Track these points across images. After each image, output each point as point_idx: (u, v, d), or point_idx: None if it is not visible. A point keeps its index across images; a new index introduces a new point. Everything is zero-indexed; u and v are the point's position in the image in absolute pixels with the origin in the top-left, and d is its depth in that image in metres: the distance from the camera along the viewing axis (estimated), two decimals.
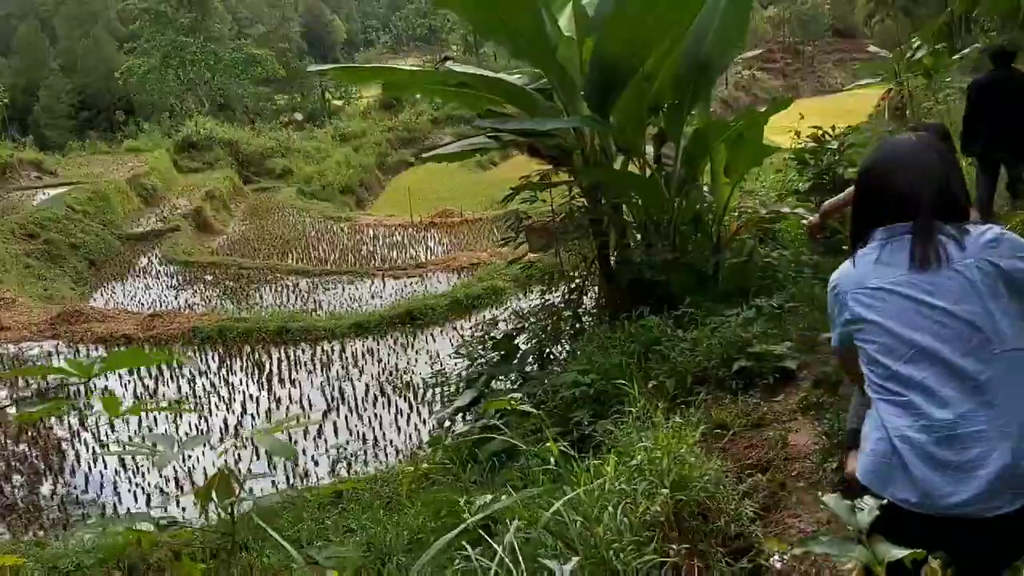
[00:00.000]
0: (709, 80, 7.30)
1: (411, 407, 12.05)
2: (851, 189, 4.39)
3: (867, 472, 2.10)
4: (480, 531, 2.61)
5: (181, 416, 12.15)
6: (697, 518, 3.49)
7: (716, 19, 7.00)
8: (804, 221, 6.79)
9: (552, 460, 3.50)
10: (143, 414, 12.30)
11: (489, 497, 2.42)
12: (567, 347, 7.76)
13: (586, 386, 5.92)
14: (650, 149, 8.29)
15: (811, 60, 73.16)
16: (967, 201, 2.20)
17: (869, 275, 2.13)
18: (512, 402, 3.38)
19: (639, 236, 8.15)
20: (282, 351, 14.83)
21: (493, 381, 7.58)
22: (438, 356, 13.46)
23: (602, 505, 2.90)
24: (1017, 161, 7.92)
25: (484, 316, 13.84)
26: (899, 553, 1.23)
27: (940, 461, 1.97)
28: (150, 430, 11.49)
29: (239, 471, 8.53)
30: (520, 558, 2.05)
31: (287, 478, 10.14)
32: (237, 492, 1.56)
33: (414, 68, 8.48)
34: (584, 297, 8.20)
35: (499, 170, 34.76)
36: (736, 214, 8.31)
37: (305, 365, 14.27)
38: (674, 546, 2.92)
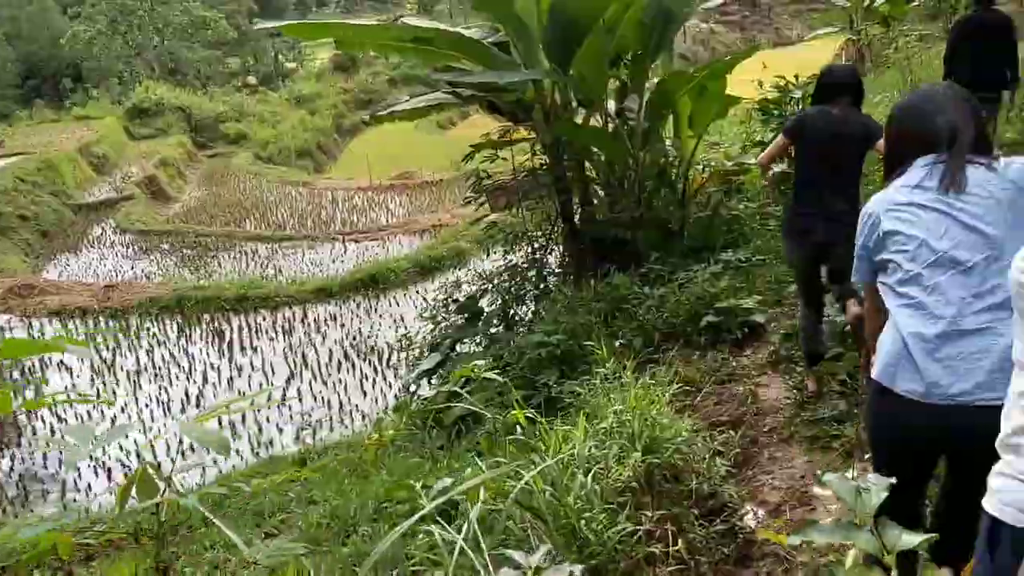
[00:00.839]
0: (671, 30, 7.13)
1: (376, 371, 11.89)
2: (779, 137, 4.44)
3: (880, 370, 2.33)
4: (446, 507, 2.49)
5: (140, 386, 11.90)
6: (670, 480, 3.40)
7: None
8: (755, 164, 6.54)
9: (518, 428, 3.36)
10: (102, 383, 12.04)
11: (449, 481, 2.27)
12: (532, 308, 7.63)
13: (552, 347, 5.80)
14: (612, 103, 8.11)
15: (768, 12, 72.93)
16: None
17: (905, 195, 2.37)
18: (475, 369, 3.23)
19: (603, 193, 8.00)
20: (242, 319, 14.57)
21: (458, 344, 7.44)
22: (402, 320, 13.29)
23: (572, 473, 2.78)
24: (998, 98, 7.65)
25: (448, 278, 13.67)
26: (911, 540, 1.11)
27: (945, 354, 2.20)
28: (110, 405, 11.21)
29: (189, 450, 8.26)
30: (482, 542, 1.92)
31: (251, 447, 9.97)
32: (163, 489, 1.41)
33: (368, 24, 8.19)
34: (549, 257, 8.06)
35: (458, 130, 34.38)
36: (701, 167, 8.19)
37: (266, 332, 14.03)
38: (647, 512, 2.81)
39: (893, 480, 1.26)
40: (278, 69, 54.04)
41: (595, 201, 8.04)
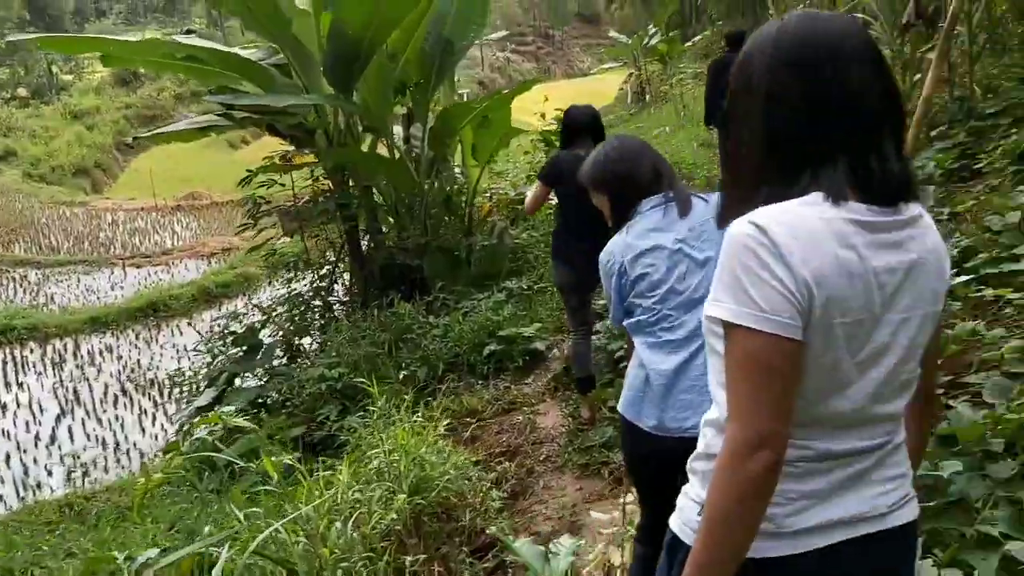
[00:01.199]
0: (453, 60, 7.18)
1: (156, 406, 11.13)
2: (538, 184, 4.58)
3: (626, 405, 2.47)
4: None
5: None
6: (440, 519, 3.34)
7: (455, 1, 6.87)
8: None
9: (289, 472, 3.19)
10: None
11: (155, 552, 2.09)
12: (318, 338, 7.40)
13: (333, 380, 5.63)
14: (400, 129, 8.06)
15: (561, 44, 75.66)
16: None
17: (643, 239, 2.48)
18: (223, 418, 3.04)
19: (392, 219, 7.91)
20: (7, 352, 13.28)
21: (237, 378, 7.08)
22: (185, 350, 12.55)
23: (331, 520, 2.66)
24: None
25: (236, 305, 13.10)
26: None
27: (682, 389, 2.34)
28: None
29: None
30: None
31: (16, 491, 9.05)
32: None
33: (135, 40, 7.71)
34: (336, 285, 7.86)
35: (251, 149, 33.14)
36: (488, 196, 8.28)
37: (34, 366, 12.86)
38: (408, 557, 2.73)
39: (581, 541, 1.26)
40: (52, 81, 50.22)
41: (384, 228, 7.94)
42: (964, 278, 3.81)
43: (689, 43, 18.44)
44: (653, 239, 2.47)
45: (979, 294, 3.75)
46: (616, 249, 2.53)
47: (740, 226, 1.22)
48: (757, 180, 1.28)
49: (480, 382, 5.50)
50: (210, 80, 7.52)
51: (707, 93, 8.64)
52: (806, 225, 1.20)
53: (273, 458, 3.11)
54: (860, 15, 7.83)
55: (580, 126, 4.37)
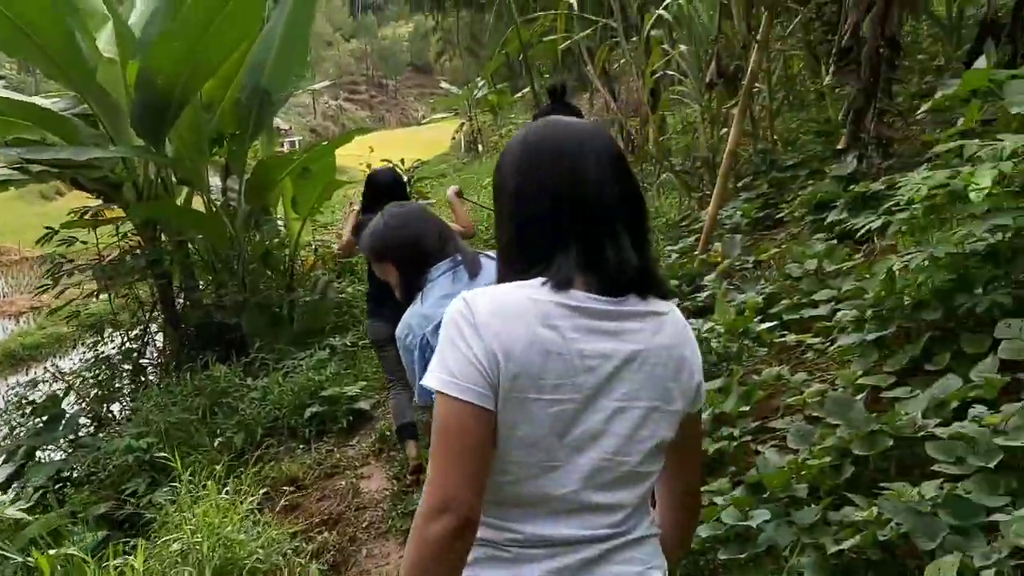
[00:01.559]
0: (271, 110, 6.97)
1: None
2: (347, 235, 4.75)
3: None
4: None
5: None
6: None
7: (275, 48, 6.70)
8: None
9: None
10: None
11: None
12: (128, 405, 6.90)
13: (141, 451, 5.23)
14: (218, 181, 7.74)
15: (395, 93, 76.14)
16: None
17: (439, 307, 2.22)
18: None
19: (209, 276, 7.55)
20: None
21: (38, 451, 6.49)
22: None
23: None
24: None
25: (46, 368, 12.10)
26: None
27: None
28: None
29: None
30: None
31: None
32: None
33: None
34: (148, 347, 7.38)
35: (66, 200, 31.22)
36: (312, 249, 8.05)
37: None
38: None
39: None
40: None
41: (200, 285, 7.56)
42: (768, 324, 3.95)
43: (518, 95, 18.86)
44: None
45: (782, 339, 3.90)
46: (413, 322, 2.41)
47: (456, 302, 1.30)
48: (508, 264, 1.38)
49: (301, 446, 5.26)
50: (9, 131, 6.98)
51: None
52: (511, 303, 1.27)
53: (56, 550, 2.81)
54: (672, 72, 8.22)
55: (381, 189, 4.48)
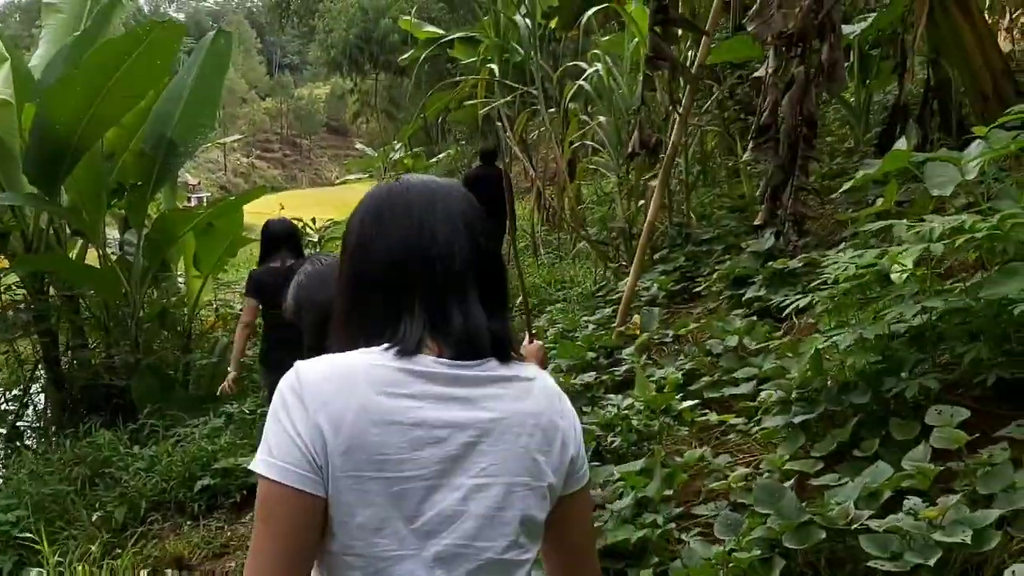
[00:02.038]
0: (176, 162, 6.66)
1: None
2: (247, 300, 4.92)
3: None
4: None
5: None
6: None
7: (184, 100, 6.42)
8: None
9: None
10: None
11: None
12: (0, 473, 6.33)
13: (9, 526, 4.75)
14: (117, 234, 7.35)
15: (309, 153, 75.68)
16: None
17: None
18: None
19: (100, 334, 7.09)
20: None
21: None
22: None
23: None
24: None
25: None
26: None
27: None
28: None
29: None
30: None
31: None
32: None
33: None
34: (27, 409, 6.84)
35: None
36: (213, 308, 7.67)
37: None
38: None
39: None
40: None
41: (90, 343, 7.09)
42: (689, 403, 3.83)
43: (434, 159, 18.82)
44: None
45: (704, 417, 3.78)
46: None
47: (288, 372, 1.16)
48: (348, 333, 1.24)
49: (189, 522, 4.86)
50: None
51: None
52: (345, 368, 1.14)
53: None
54: (589, 142, 8.24)
55: (277, 238, 4.68)
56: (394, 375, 1.13)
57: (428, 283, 1.20)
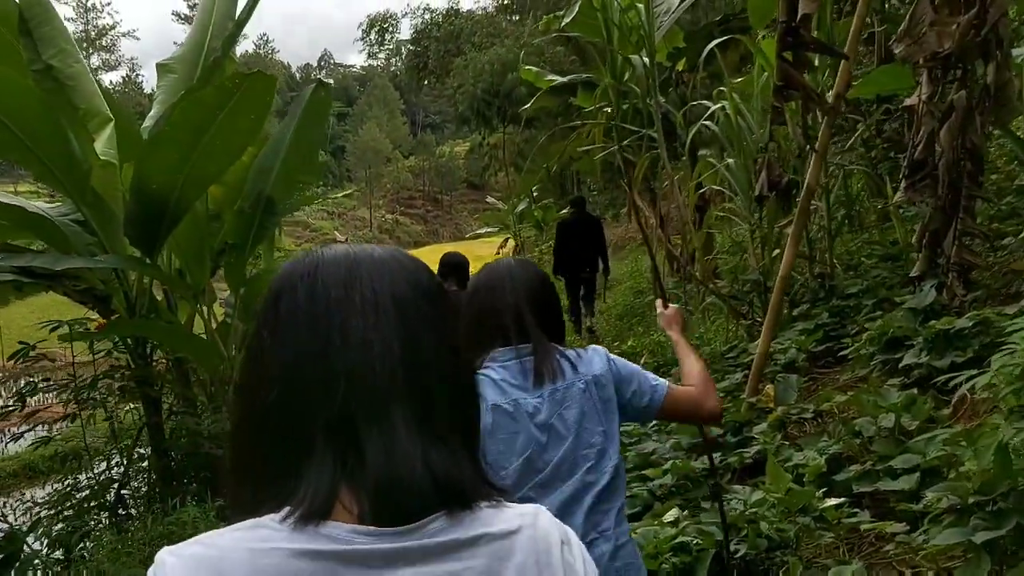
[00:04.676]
0: (273, 220, 6.41)
1: None
2: None
3: None
4: None
5: None
6: None
7: (281, 154, 6.19)
8: None
9: None
10: None
11: None
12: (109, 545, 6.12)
13: None
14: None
15: (449, 208, 77.44)
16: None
17: (492, 397, 1.98)
18: None
19: (203, 399, 6.88)
20: None
21: None
22: None
23: None
24: (593, 277, 10.67)
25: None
26: None
27: None
28: None
29: None
30: None
31: None
32: None
33: None
34: (133, 478, 6.64)
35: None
36: None
37: None
38: None
39: None
40: None
41: (198, 408, 6.88)
42: (835, 500, 3.08)
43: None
44: (496, 396, 2.03)
45: (854, 520, 3.02)
46: None
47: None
48: (234, 490, 0.89)
49: None
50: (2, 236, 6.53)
51: (555, 248, 10.66)
52: (216, 562, 0.78)
53: None
54: (719, 187, 7.54)
55: (445, 267, 5.34)
56: (289, 564, 0.77)
57: (331, 408, 0.82)
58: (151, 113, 7.32)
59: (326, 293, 0.87)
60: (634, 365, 2.14)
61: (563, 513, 1.89)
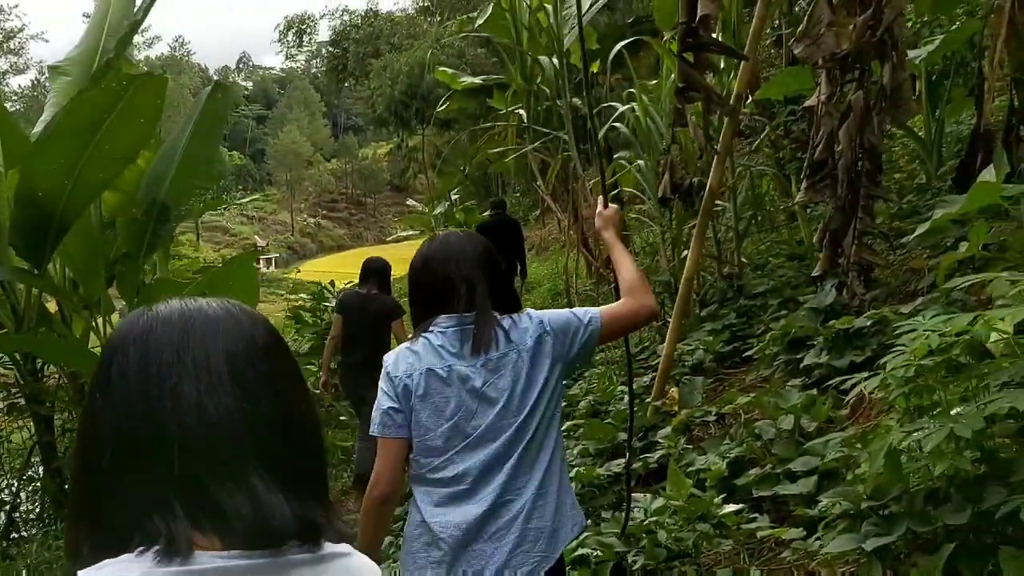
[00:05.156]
0: (168, 227, 6.15)
1: None
2: (335, 316, 6.07)
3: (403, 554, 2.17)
4: None
5: None
6: None
7: (176, 159, 5.94)
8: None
9: None
10: None
11: None
12: None
13: None
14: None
15: (373, 211, 76.71)
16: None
17: (429, 361, 2.11)
18: None
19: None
20: None
21: None
22: None
23: None
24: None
25: None
26: None
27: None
28: None
29: None
30: None
31: None
32: None
33: None
34: (23, 500, 6.31)
35: None
36: None
37: None
38: None
39: None
40: None
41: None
42: (733, 507, 3.04)
43: (485, 213, 18.40)
44: (437, 362, 2.14)
45: (752, 526, 2.98)
46: (399, 359, 2.19)
47: None
48: (77, 536, 0.87)
49: None
50: None
51: None
52: None
53: None
54: (629, 189, 7.54)
55: (367, 271, 5.83)
56: None
57: (169, 469, 0.84)
58: (42, 117, 6.96)
59: (158, 356, 0.87)
60: (562, 311, 2.26)
61: (484, 473, 2.05)
